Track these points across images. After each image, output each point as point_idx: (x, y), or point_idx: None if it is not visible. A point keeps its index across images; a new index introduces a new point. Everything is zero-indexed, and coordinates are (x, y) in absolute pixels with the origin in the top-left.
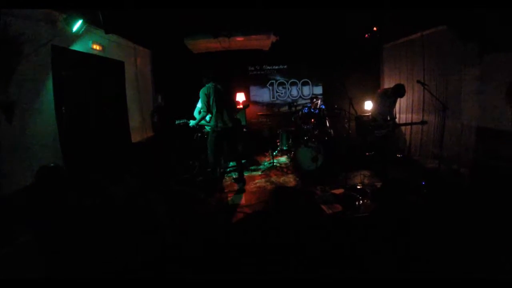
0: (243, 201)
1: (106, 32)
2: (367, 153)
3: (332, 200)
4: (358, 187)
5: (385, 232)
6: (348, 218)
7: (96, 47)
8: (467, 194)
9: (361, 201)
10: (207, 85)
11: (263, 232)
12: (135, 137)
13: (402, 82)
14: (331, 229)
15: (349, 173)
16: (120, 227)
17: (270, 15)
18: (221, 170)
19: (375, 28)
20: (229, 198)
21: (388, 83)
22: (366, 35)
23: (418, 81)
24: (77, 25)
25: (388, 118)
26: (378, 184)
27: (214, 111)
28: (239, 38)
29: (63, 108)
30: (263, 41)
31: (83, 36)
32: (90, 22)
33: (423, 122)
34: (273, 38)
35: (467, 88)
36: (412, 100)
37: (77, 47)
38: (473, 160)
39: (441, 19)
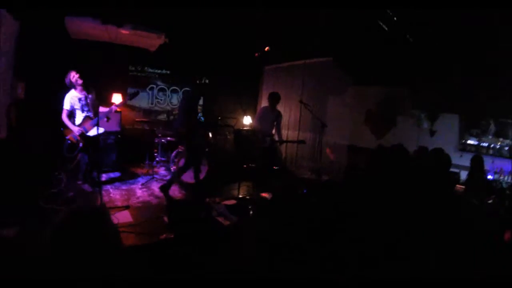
0: (130, 218)
1: None
2: (244, 165)
3: (226, 212)
4: (247, 197)
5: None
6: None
7: None
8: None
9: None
10: None
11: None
12: None
13: (280, 102)
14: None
15: (232, 185)
16: None
17: (166, 14)
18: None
19: (266, 48)
20: (113, 218)
21: (265, 103)
22: (256, 54)
23: (301, 101)
24: None
25: (269, 134)
26: (266, 194)
27: None
28: (129, 31)
29: None
30: (152, 40)
31: None
32: None
33: (301, 141)
34: (163, 39)
35: (340, 110)
36: (288, 118)
37: None
38: (342, 170)
39: (328, 52)
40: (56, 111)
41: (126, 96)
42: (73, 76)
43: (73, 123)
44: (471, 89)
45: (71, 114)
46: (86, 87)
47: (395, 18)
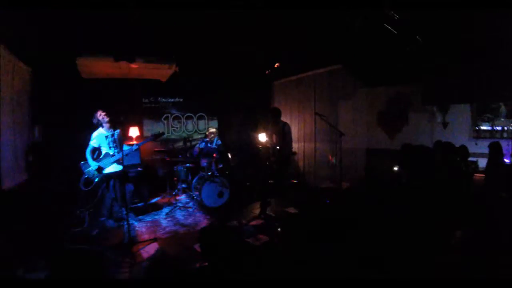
0: (161, 253)
1: None
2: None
3: (255, 232)
4: (273, 215)
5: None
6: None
7: None
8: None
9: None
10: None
11: None
12: (7, 183)
13: (294, 116)
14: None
15: (253, 204)
16: None
17: (175, 44)
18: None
19: (276, 65)
20: (143, 253)
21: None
22: (267, 72)
23: (317, 113)
24: None
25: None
26: (290, 210)
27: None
28: (140, 65)
29: None
30: (163, 71)
31: None
32: None
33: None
34: (174, 69)
35: (352, 115)
36: (304, 130)
37: None
38: (362, 176)
39: (335, 60)
40: (74, 151)
41: (150, 137)
42: (100, 114)
43: (96, 159)
44: (481, 77)
45: (95, 151)
46: (112, 124)
47: (396, 17)
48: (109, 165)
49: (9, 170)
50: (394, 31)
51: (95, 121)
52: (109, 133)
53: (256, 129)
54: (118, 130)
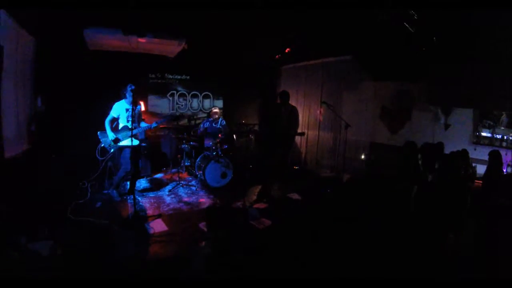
0: (165, 227)
1: None
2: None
3: (258, 215)
4: (276, 198)
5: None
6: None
7: None
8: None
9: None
10: None
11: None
12: (9, 151)
13: (299, 102)
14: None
15: (257, 186)
16: None
17: (185, 19)
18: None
19: (287, 50)
20: (149, 228)
21: None
22: (277, 56)
23: (324, 102)
24: None
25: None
26: (293, 195)
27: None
28: (149, 40)
29: None
30: (172, 47)
31: None
32: None
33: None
34: (183, 46)
35: (357, 107)
36: (308, 118)
37: None
38: (363, 168)
39: (346, 50)
40: (81, 121)
41: (169, 117)
42: (130, 86)
43: (114, 129)
44: (486, 84)
45: (114, 121)
46: (135, 100)
47: (415, 17)
48: (126, 138)
49: (11, 139)
50: (411, 29)
51: (121, 92)
52: (130, 107)
53: (261, 112)
54: (139, 106)
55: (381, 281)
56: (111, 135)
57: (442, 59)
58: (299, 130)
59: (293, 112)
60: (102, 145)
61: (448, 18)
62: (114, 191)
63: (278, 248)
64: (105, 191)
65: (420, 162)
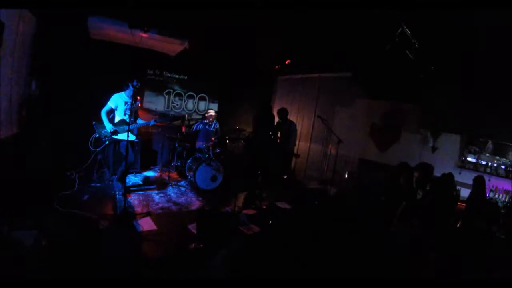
0: (153, 226)
1: None
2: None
3: (247, 221)
4: (264, 207)
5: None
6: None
7: None
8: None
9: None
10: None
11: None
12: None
13: (293, 113)
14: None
15: (245, 192)
16: None
17: (189, 20)
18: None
19: (287, 61)
20: (137, 226)
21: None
22: (277, 67)
23: (318, 116)
24: None
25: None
26: (281, 204)
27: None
28: (153, 36)
29: None
30: (174, 46)
31: None
32: None
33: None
34: (185, 46)
35: (348, 123)
36: (301, 130)
37: None
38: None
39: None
40: (74, 109)
41: (169, 117)
42: (135, 82)
43: (110, 121)
44: (474, 111)
45: (111, 112)
46: (134, 95)
47: (416, 45)
48: (123, 132)
49: (1, 119)
50: (411, 56)
51: (128, 84)
52: (129, 100)
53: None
54: (138, 102)
55: None
56: (109, 127)
57: (436, 85)
58: (310, 149)
59: (291, 127)
60: (97, 135)
61: (447, 46)
62: (119, 184)
63: (264, 254)
64: (93, 184)
65: (414, 180)
